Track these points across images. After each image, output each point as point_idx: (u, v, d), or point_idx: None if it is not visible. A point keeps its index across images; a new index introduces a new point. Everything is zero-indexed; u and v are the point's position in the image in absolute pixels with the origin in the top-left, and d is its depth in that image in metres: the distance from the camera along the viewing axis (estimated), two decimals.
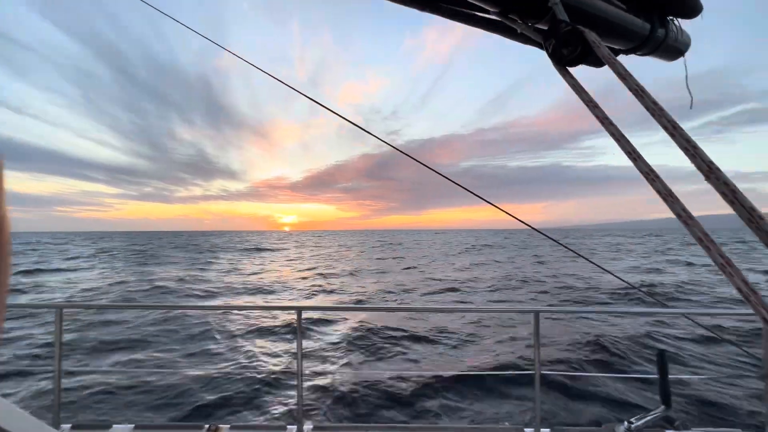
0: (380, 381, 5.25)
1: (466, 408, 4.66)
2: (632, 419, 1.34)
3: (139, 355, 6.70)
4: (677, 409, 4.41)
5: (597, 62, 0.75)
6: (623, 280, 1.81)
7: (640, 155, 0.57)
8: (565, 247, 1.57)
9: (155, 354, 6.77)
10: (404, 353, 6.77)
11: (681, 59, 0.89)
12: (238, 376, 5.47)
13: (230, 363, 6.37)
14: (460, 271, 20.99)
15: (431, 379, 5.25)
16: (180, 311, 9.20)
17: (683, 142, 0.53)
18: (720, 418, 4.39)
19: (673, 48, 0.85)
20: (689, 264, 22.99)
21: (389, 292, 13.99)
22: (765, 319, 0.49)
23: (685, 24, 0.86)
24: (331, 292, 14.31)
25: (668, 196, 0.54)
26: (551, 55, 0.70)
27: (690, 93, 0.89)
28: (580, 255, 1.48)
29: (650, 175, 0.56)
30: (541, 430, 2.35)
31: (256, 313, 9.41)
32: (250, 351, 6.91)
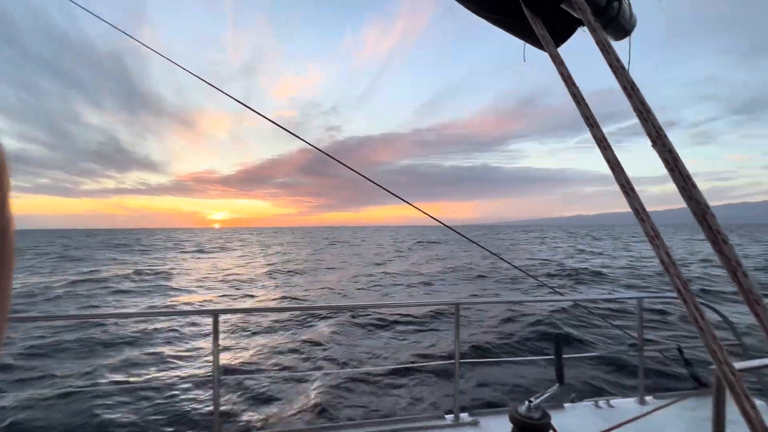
0: (307, 382, 5.26)
1: (394, 400, 4.77)
2: (532, 398, 1.46)
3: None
4: (573, 384, 4.87)
5: (569, 23, 0.74)
6: (521, 269, 2.58)
7: (597, 122, 0.59)
8: (477, 244, 1.90)
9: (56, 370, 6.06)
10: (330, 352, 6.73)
11: (625, 41, 0.91)
12: (153, 386, 5.26)
13: (144, 371, 6.06)
14: (421, 265, 22.37)
15: (357, 375, 5.28)
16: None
17: (638, 104, 0.58)
18: (605, 389, 4.86)
19: (621, 26, 0.87)
20: (601, 253, 27.96)
21: (377, 286, 14.65)
22: (678, 289, 0.54)
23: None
24: (330, 288, 14.14)
25: (616, 166, 0.60)
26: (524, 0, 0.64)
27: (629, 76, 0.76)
28: (494, 253, 2.01)
29: (602, 143, 0.60)
30: (460, 414, 2.53)
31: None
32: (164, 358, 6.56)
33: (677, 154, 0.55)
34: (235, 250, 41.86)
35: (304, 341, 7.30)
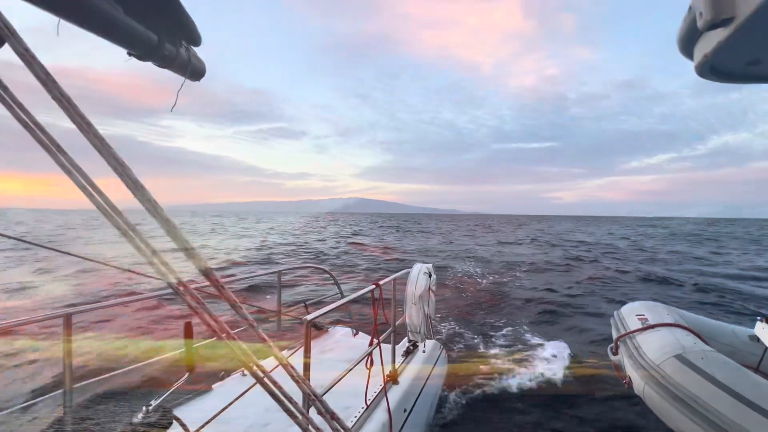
0: None
1: None
2: (152, 401, 1.32)
3: None
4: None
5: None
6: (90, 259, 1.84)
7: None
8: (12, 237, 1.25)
9: None
10: None
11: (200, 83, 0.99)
12: None
13: None
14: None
15: None
16: None
17: (94, 139, 0.59)
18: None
19: (188, 68, 0.94)
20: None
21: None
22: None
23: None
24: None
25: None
26: None
27: (177, 99, 0.91)
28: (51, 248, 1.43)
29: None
30: None
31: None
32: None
33: (141, 184, 0.59)
34: None
35: None
